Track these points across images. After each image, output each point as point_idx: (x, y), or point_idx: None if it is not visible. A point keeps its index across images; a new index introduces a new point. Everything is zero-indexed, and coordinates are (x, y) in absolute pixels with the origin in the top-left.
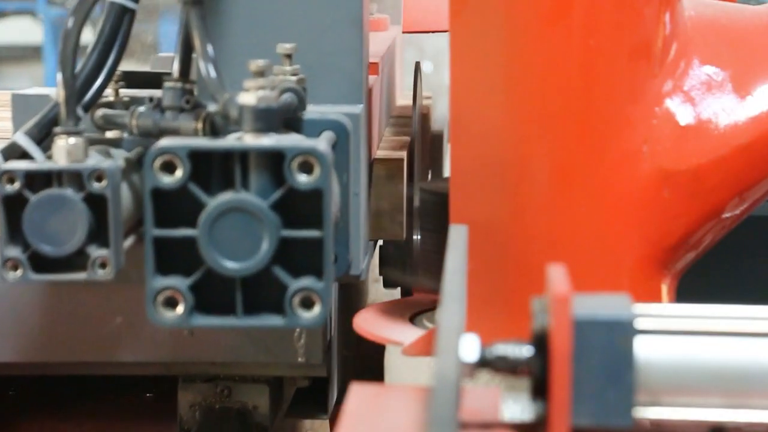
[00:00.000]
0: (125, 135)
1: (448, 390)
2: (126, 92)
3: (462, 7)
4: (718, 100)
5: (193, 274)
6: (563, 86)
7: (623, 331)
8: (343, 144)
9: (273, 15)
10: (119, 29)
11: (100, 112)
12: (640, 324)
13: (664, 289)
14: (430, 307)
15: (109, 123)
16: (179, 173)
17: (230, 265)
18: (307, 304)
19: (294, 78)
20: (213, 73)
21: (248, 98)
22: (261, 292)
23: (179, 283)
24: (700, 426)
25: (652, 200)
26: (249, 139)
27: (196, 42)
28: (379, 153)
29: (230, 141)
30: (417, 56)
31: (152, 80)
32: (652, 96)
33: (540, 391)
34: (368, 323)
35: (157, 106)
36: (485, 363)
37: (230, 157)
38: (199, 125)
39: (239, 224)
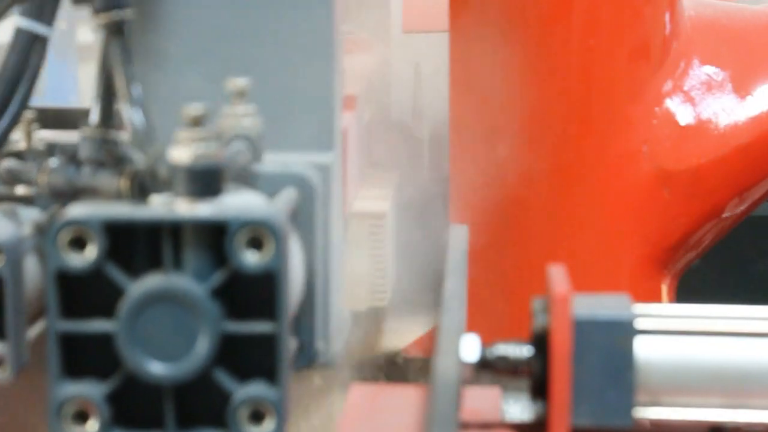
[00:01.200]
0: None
1: (449, 390)
2: (44, 135)
3: (462, 7)
4: (718, 100)
5: (109, 379)
6: (563, 86)
7: (623, 331)
8: (308, 203)
9: (224, 44)
10: (28, 60)
11: (4, 163)
12: (640, 324)
13: (664, 289)
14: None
15: (15, 178)
16: (92, 251)
17: (158, 369)
18: (257, 416)
19: (247, 121)
20: (139, 120)
21: (181, 155)
22: (198, 402)
23: (92, 390)
24: (700, 426)
25: (652, 200)
26: (182, 207)
27: (118, 80)
28: (358, 205)
29: (158, 209)
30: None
31: (77, 119)
32: (652, 96)
33: (540, 391)
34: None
35: (73, 159)
36: (486, 363)
37: (158, 231)
38: (124, 185)
39: (170, 316)
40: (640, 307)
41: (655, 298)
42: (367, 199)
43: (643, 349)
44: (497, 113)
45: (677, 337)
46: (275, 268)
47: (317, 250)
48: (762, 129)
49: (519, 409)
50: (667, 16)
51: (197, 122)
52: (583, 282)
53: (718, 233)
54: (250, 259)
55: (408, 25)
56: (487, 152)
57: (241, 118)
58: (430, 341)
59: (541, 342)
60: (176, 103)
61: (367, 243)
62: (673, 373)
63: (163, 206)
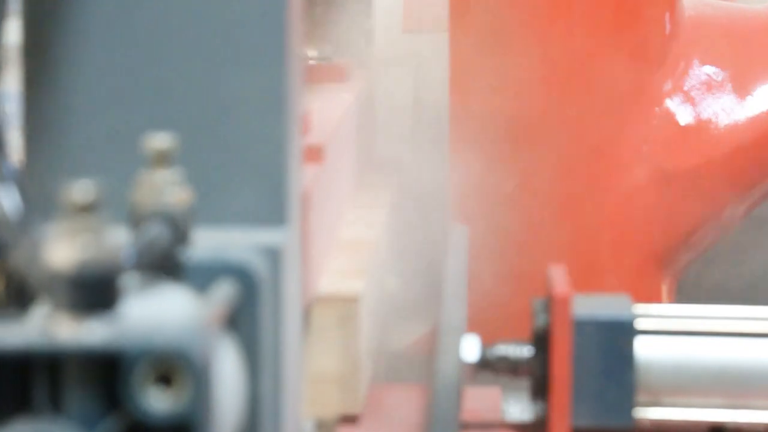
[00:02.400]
0: None
1: (449, 390)
2: None
3: (462, 7)
4: (718, 100)
5: None
6: (563, 86)
7: (623, 331)
8: (251, 299)
9: (141, 90)
10: None
11: None
12: (640, 324)
13: (664, 289)
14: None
15: None
16: None
17: None
18: None
19: (171, 193)
20: (12, 202)
21: (61, 257)
22: None
23: None
24: (701, 426)
25: (652, 200)
26: (63, 329)
27: None
28: (326, 285)
29: (28, 333)
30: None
31: None
32: (652, 96)
33: (540, 391)
34: None
35: None
36: (486, 363)
37: (29, 361)
38: None
39: None
40: (640, 307)
41: (655, 298)
42: (338, 275)
43: (643, 349)
44: (497, 113)
45: (677, 337)
46: (192, 415)
47: (264, 360)
48: (762, 129)
49: (519, 409)
50: (667, 16)
51: (85, 208)
52: (583, 282)
53: (718, 233)
54: (156, 402)
55: (408, 25)
56: (487, 152)
57: (162, 188)
58: (429, 341)
59: (541, 342)
60: (75, 170)
61: (337, 333)
62: (673, 373)
63: (37, 327)
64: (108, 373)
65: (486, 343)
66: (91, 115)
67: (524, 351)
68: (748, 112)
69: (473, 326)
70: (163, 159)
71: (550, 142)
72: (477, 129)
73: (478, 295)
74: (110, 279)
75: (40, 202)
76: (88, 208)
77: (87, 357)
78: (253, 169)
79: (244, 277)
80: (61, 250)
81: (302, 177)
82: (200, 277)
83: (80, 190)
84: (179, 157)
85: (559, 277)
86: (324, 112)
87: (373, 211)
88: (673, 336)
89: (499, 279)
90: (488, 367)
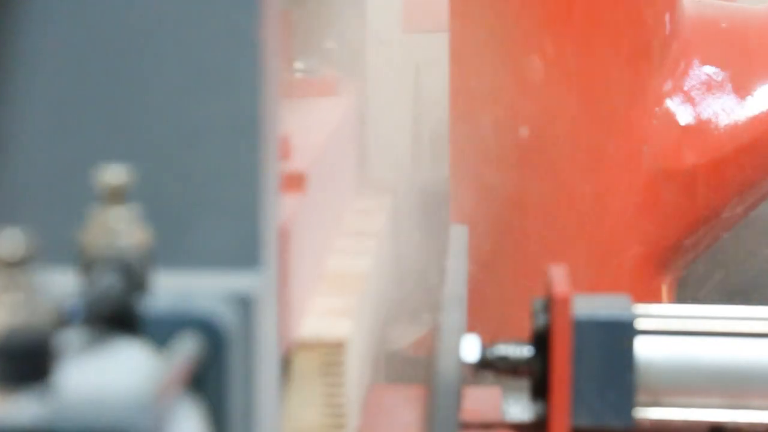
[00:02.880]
0: None
1: (449, 390)
2: None
3: (462, 7)
4: (718, 100)
5: None
6: (563, 86)
7: (623, 331)
8: (218, 356)
9: (95, 116)
10: None
11: None
12: (640, 324)
13: (664, 289)
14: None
15: None
16: None
17: None
18: None
19: (126, 235)
20: None
21: None
22: None
23: None
24: (700, 426)
25: (652, 200)
26: None
27: None
28: (308, 327)
29: None
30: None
31: None
32: (652, 96)
33: (540, 391)
34: None
35: None
36: (486, 363)
37: None
38: None
39: None
40: (640, 307)
41: (655, 298)
42: (321, 315)
43: (643, 349)
44: (497, 113)
45: (677, 337)
46: None
47: (233, 424)
48: (762, 129)
49: (519, 409)
50: (667, 16)
51: (15, 264)
52: (583, 282)
53: (718, 233)
54: None
55: (408, 25)
56: (487, 152)
57: (117, 228)
58: (429, 341)
59: (541, 342)
60: (18, 210)
61: (320, 382)
62: (673, 373)
63: None
64: None
65: (485, 343)
66: (36, 145)
67: (524, 351)
68: (748, 112)
69: (472, 326)
70: (117, 195)
71: (550, 142)
72: (477, 129)
73: (478, 295)
74: (44, 345)
75: None
76: (17, 264)
77: None
78: (222, 204)
79: (209, 331)
80: None
81: (280, 210)
82: (160, 331)
83: (8, 242)
84: (137, 192)
85: (559, 277)
86: (309, 131)
87: (364, 239)
88: (673, 336)
89: (498, 279)
90: (488, 367)
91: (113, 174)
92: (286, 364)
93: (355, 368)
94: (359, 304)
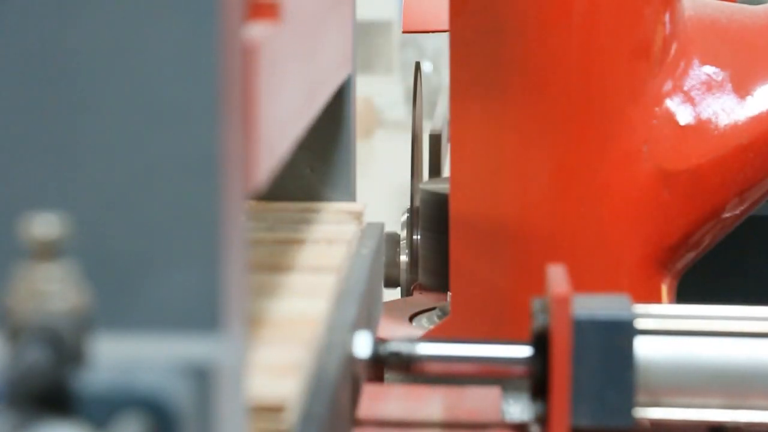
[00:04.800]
0: None
1: (326, 385)
2: None
3: (462, 7)
4: (718, 100)
5: None
6: (563, 86)
7: (623, 331)
8: None
9: (21, 153)
10: None
11: None
12: (640, 324)
13: (664, 289)
14: (430, 307)
15: None
16: None
17: None
18: None
19: (59, 296)
20: None
21: None
22: None
23: None
24: (700, 426)
25: (652, 200)
26: None
27: None
28: (279, 392)
29: None
30: (417, 56)
31: None
32: (652, 96)
33: (540, 391)
34: None
35: None
36: (379, 359)
37: None
38: None
39: None
40: (640, 307)
41: (655, 298)
42: (263, 372)
43: (643, 349)
44: (497, 113)
45: (677, 337)
46: None
47: None
48: (762, 129)
49: (519, 409)
50: (667, 16)
51: None
52: (583, 282)
53: (718, 233)
54: None
55: (408, 26)
56: (487, 152)
57: (46, 291)
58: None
59: (541, 342)
60: None
61: None
62: (673, 373)
63: None
64: None
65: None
66: None
67: (416, 348)
68: (748, 112)
69: (472, 325)
70: (48, 250)
71: (550, 142)
72: (477, 128)
73: (478, 295)
74: None
75: None
76: None
77: None
78: (176, 255)
79: (157, 410)
80: None
81: (243, 260)
82: (98, 412)
83: None
84: (73, 245)
85: (559, 277)
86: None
87: (321, 275)
88: (673, 336)
89: (498, 278)
90: (381, 362)
91: (43, 225)
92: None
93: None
94: (311, 357)
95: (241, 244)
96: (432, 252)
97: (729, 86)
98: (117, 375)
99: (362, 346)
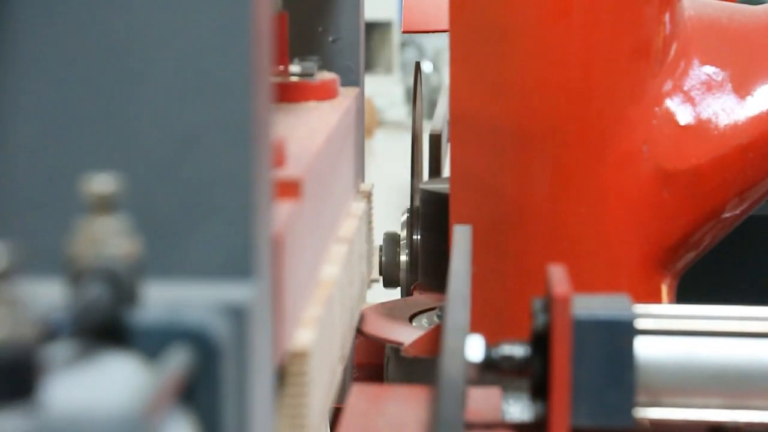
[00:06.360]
0: None
1: (455, 391)
2: None
3: (462, 7)
4: (718, 100)
5: None
6: (563, 86)
7: (623, 331)
8: (210, 368)
9: (82, 122)
10: None
11: None
12: (640, 324)
13: (664, 289)
14: (430, 307)
15: None
16: None
17: None
18: None
19: (114, 245)
20: None
21: None
22: None
23: None
24: (700, 426)
25: (652, 200)
26: None
27: None
28: (302, 341)
29: None
30: (417, 56)
31: None
32: (652, 96)
33: (540, 391)
34: (368, 323)
35: None
36: (490, 363)
37: None
38: None
39: None
40: (640, 307)
41: (655, 298)
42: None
43: (643, 349)
44: (497, 113)
45: (677, 337)
46: None
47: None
48: (762, 129)
49: (519, 409)
50: (667, 16)
51: (0, 275)
52: (583, 282)
53: (718, 233)
54: None
55: (408, 26)
56: (487, 152)
57: (104, 239)
58: (430, 341)
59: (541, 342)
60: (3, 218)
61: (282, 392)
62: (673, 373)
63: None
64: None
65: (489, 343)
66: (21, 153)
67: (529, 350)
68: (748, 112)
69: (472, 325)
70: (105, 204)
71: (550, 142)
72: (477, 129)
73: (478, 296)
74: (28, 360)
75: None
76: (1, 277)
77: None
78: (214, 212)
79: (202, 343)
80: None
81: (274, 218)
82: (150, 343)
83: None
84: (125, 201)
85: (559, 277)
86: (305, 136)
87: (336, 244)
88: (673, 336)
89: (498, 279)
90: (493, 367)
91: (101, 183)
92: (280, 376)
93: (319, 379)
94: (325, 313)
95: (269, 205)
96: (432, 252)
97: (729, 86)
98: (166, 313)
99: (474, 350)
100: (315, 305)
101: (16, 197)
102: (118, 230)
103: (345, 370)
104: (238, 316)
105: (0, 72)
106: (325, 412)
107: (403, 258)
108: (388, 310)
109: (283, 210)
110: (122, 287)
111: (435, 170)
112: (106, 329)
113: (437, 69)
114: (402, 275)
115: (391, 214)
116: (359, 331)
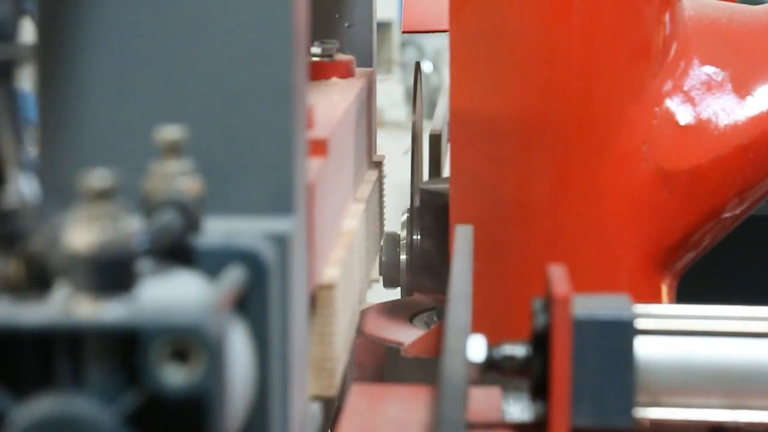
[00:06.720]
0: None
1: (457, 391)
2: None
3: (462, 7)
4: (718, 100)
5: None
6: (563, 86)
7: (623, 331)
8: (260, 284)
9: (152, 83)
10: None
11: None
12: (640, 324)
13: (664, 289)
14: (430, 307)
15: None
16: None
17: None
18: None
19: (182, 182)
20: (31, 190)
21: (81, 240)
22: None
23: None
24: (700, 426)
25: (652, 200)
26: (83, 308)
27: (3, 139)
28: (330, 275)
29: (51, 312)
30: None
31: None
32: (652, 96)
33: (540, 391)
34: (368, 323)
35: None
36: (492, 363)
37: (51, 339)
38: (14, 270)
39: None
40: (640, 307)
41: (655, 298)
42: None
43: (643, 349)
44: (497, 113)
45: (677, 337)
46: (206, 389)
47: (272, 343)
48: (762, 129)
49: (519, 409)
50: (667, 16)
51: (103, 195)
52: (583, 282)
53: (718, 233)
54: (172, 376)
55: (408, 26)
56: (487, 152)
57: (173, 177)
58: (430, 341)
59: (541, 342)
60: (90, 160)
61: (314, 319)
62: (673, 373)
63: (58, 307)
64: (127, 349)
65: (491, 343)
66: (105, 109)
67: (530, 350)
68: (748, 112)
69: (472, 325)
70: (174, 150)
71: (550, 142)
72: (477, 128)
73: (478, 295)
74: (127, 261)
75: (55, 192)
76: (105, 195)
77: (106, 334)
78: (261, 160)
79: (253, 263)
80: (81, 233)
81: (307, 169)
82: (211, 263)
83: (98, 177)
84: (190, 149)
85: (559, 277)
86: (327, 107)
87: (354, 203)
88: (673, 336)
89: (498, 279)
90: (494, 367)
91: (170, 132)
92: (311, 305)
93: (343, 311)
94: (347, 256)
95: (304, 157)
96: (432, 252)
97: (729, 86)
98: (224, 238)
99: (476, 350)
100: (339, 249)
101: (101, 145)
102: (184, 171)
103: (345, 370)
104: (281, 243)
105: (89, 41)
106: (347, 343)
107: (403, 258)
108: (388, 310)
109: (313, 164)
110: (189, 216)
111: (435, 170)
112: (176, 250)
113: (437, 69)
114: (402, 275)
115: (391, 214)
116: (359, 331)
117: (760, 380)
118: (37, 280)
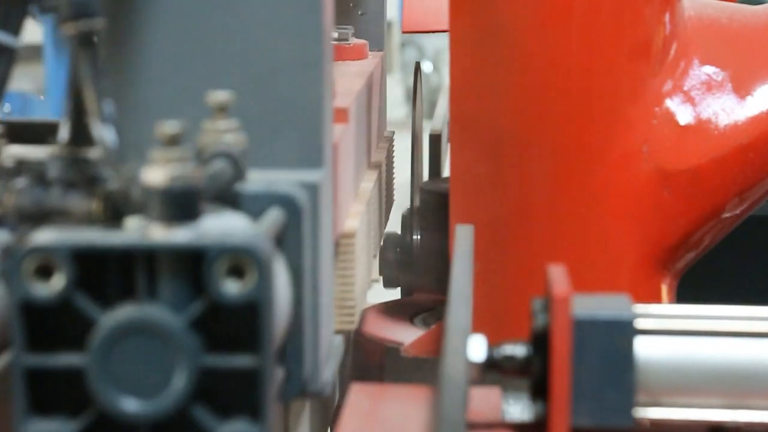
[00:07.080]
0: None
1: (457, 391)
2: (13, 151)
3: (462, 7)
4: (718, 100)
5: (80, 417)
6: (563, 86)
7: (623, 331)
8: (295, 225)
9: (203, 55)
10: None
11: None
12: (640, 324)
13: (664, 289)
14: (430, 307)
15: None
16: (59, 280)
17: (132, 406)
18: None
19: (229, 138)
20: (111, 138)
21: (156, 176)
22: None
23: (61, 428)
24: (700, 426)
25: (652, 200)
26: (157, 233)
27: (87, 95)
28: (350, 225)
29: (131, 236)
30: (417, 56)
31: (47, 133)
32: (652, 96)
33: (540, 391)
34: (368, 323)
35: (42, 178)
36: (493, 363)
37: (131, 258)
38: (96, 207)
39: (144, 349)
40: (640, 307)
41: (655, 298)
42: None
43: (643, 349)
44: (497, 113)
45: (677, 337)
46: (258, 298)
47: (305, 275)
48: (762, 129)
49: (519, 409)
50: (667, 16)
51: (173, 141)
52: (583, 282)
53: (718, 233)
54: (231, 288)
55: (408, 26)
56: (487, 152)
57: (223, 134)
58: (430, 341)
59: (541, 342)
60: (153, 118)
61: (336, 264)
62: (673, 373)
63: (137, 232)
64: (194, 266)
65: (491, 343)
66: (166, 76)
67: (531, 350)
68: (748, 112)
69: (472, 324)
70: (222, 110)
71: (550, 142)
72: (477, 129)
73: (477, 295)
74: (193, 194)
75: (129, 142)
76: (175, 140)
77: (177, 253)
78: (295, 121)
79: (290, 206)
80: (157, 171)
81: (333, 131)
82: (254, 206)
83: (170, 125)
84: (236, 110)
85: (559, 277)
86: (347, 83)
87: (372, 171)
88: (673, 336)
89: (498, 279)
90: (495, 367)
91: (220, 96)
92: (336, 248)
93: (361, 259)
94: (364, 210)
95: (331, 121)
96: (432, 252)
97: (729, 86)
98: (266, 185)
99: (476, 349)
100: (358, 204)
101: (160, 107)
102: (232, 128)
103: (345, 370)
104: (313, 190)
105: (153, 21)
106: (365, 289)
107: (403, 258)
108: (388, 310)
109: (337, 129)
110: (236, 166)
111: (435, 170)
112: (225, 194)
113: (437, 69)
114: (402, 275)
115: (391, 213)
116: (359, 331)
117: (760, 380)
118: (113, 214)
